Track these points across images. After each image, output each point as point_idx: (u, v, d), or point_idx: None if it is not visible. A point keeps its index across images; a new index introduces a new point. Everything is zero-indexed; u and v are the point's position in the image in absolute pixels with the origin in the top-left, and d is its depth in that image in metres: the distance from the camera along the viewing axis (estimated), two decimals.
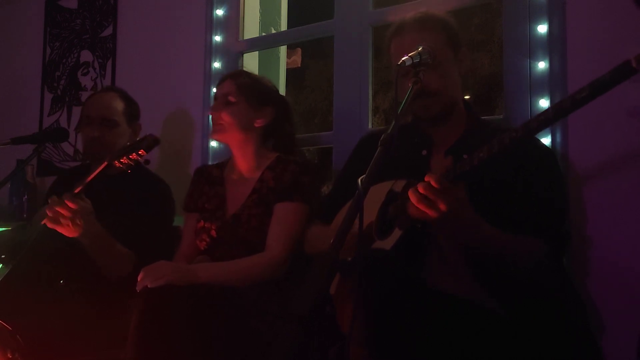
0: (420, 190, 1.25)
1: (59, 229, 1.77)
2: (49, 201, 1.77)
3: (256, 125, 2.00)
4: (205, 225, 1.98)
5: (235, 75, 2.05)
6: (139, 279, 1.60)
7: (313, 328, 0.95)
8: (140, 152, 1.73)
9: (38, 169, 3.16)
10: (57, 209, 1.74)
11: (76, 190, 1.78)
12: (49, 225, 1.77)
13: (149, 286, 1.57)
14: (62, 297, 1.92)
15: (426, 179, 1.26)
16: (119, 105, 2.24)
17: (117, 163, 1.76)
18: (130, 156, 1.75)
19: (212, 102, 2.62)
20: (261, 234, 1.87)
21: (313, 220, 1.86)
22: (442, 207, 1.24)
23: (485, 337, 1.35)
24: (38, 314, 1.78)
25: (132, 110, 2.29)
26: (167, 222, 2.18)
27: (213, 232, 1.95)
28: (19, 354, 1.64)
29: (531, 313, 1.40)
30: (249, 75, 2.08)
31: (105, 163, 1.77)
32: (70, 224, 1.76)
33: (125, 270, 1.92)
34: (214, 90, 2.62)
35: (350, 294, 1.27)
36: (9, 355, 1.64)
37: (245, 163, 2.03)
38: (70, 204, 1.74)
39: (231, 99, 1.97)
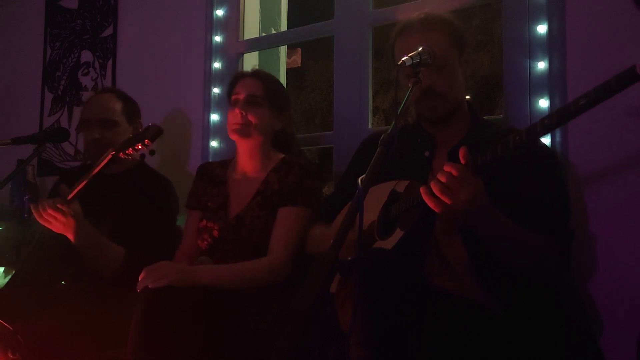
0: (442, 179, 1.24)
1: (50, 227, 1.81)
2: (41, 203, 1.79)
3: (274, 129, 2.02)
4: (208, 225, 1.97)
5: (261, 76, 2.02)
6: (139, 279, 1.59)
7: (313, 328, 0.95)
8: (145, 142, 1.72)
9: (38, 169, 3.16)
10: (50, 212, 1.77)
11: (72, 193, 1.79)
12: (40, 221, 1.80)
13: (149, 287, 1.56)
14: (62, 298, 1.92)
15: (446, 168, 1.24)
16: (117, 105, 2.24)
17: (122, 154, 1.75)
18: (136, 147, 1.74)
19: (212, 103, 2.63)
20: (264, 236, 1.87)
21: (315, 221, 1.86)
22: (464, 196, 1.24)
23: (486, 338, 1.35)
24: (38, 314, 1.78)
25: (132, 109, 2.28)
26: (171, 220, 2.18)
27: (215, 232, 1.95)
28: (19, 354, 1.64)
29: (532, 313, 1.40)
30: (272, 78, 2.07)
31: (112, 153, 1.77)
32: (60, 225, 1.80)
33: (113, 268, 1.91)
34: (215, 90, 2.63)
35: (351, 294, 1.27)
36: (9, 355, 1.64)
37: (251, 164, 2.02)
38: (61, 208, 1.77)
39: (259, 100, 1.96)
